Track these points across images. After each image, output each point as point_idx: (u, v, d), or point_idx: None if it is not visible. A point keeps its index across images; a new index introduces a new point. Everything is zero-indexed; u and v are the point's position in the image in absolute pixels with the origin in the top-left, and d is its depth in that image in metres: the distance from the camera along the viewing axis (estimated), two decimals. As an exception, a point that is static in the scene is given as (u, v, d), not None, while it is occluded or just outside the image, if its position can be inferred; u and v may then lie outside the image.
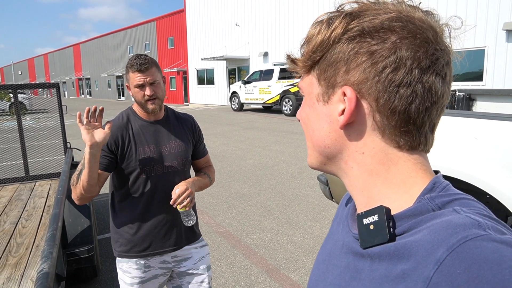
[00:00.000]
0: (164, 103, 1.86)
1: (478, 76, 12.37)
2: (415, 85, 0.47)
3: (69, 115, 20.50)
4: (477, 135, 2.19)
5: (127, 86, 1.82)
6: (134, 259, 1.82)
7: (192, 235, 1.94)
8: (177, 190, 1.70)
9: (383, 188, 0.51)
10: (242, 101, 18.99)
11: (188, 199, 1.71)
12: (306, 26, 18.61)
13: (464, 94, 4.16)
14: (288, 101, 16.13)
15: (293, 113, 15.86)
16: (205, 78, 26.67)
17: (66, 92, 54.56)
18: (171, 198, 1.73)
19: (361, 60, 0.48)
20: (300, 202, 5.30)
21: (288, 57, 0.57)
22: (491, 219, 0.43)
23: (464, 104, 4.16)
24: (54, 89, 4.80)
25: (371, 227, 0.50)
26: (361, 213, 0.52)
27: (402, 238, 0.46)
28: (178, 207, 1.71)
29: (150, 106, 1.76)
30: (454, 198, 0.47)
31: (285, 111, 16.34)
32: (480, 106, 4.15)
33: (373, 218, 0.50)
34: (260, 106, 19.25)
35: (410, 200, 0.49)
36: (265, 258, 3.71)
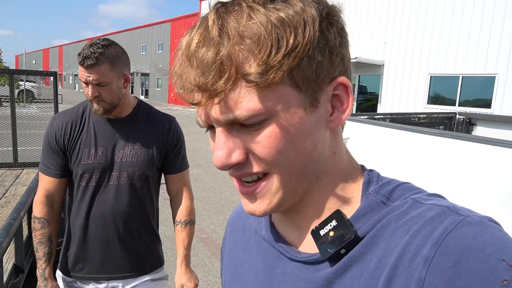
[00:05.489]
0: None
1: (487, 104, 12.22)
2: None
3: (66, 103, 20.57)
4: (465, 158, 2.08)
5: None
6: (67, 277, 1.59)
7: (142, 264, 1.60)
8: None
9: (338, 192, 0.49)
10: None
11: None
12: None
13: (464, 117, 4.05)
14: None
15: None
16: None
17: (76, 85, 55.07)
18: (115, 216, 1.50)
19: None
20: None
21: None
22: (439, 197, 0.45)
23: (463, 127, 4.04)
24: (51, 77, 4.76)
25: (331, 234, 0.46)
26: (316, 227, 0.48)
27: (369, 238, 0.44)
28: None
29: (94, 105, 1.46)
30: (396, 185, 0.47)
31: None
32: (480, 131, 4.02)
33: (331, 225, 0.46)
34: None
35: (355, 196, 0.49)
36: (243, 268, 3.60)
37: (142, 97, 38.13)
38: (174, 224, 1.67)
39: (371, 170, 0.51)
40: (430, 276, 0.37)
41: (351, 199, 0.48)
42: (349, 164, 0.50)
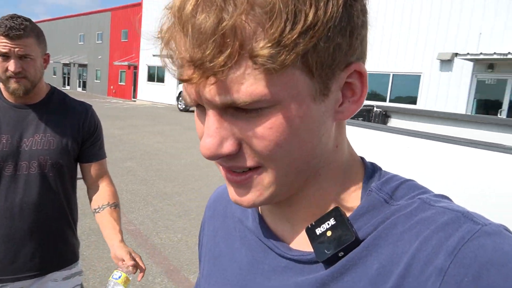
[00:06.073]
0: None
1: (414, 100, 13.14)
2: None
3: None
4: (409, 145, 2.27)
5: None
6: None
7: (54, 260, 1.49)
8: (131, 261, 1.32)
9: (336, 187, 0.45)
10: (190, 102, 18.74)
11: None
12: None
13: (380, 110, 4.35)
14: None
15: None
16: (156, 75, 26.06)
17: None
18: (23, 209, 1.39)
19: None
20: (221, 204, 5.24)
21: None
22: (447, 198, 0.41)
23: (380, 119, 4.34)
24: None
25: (329, 233, 0.41)
26: (311, 224, 0.43)
27: (371, 240, 0.40)
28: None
29: (12, 84, 1.33)
30: (399, 182, 0.43)
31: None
32: (394, 122, 4.35)
33: (328, 224, 0.42)
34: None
35: (355, 192, 0.44)
36: (168, 258, 3.59)
37: (79, 89, 36.13)
38: (96, 210, 1.53)
39: (372, 164, 0.46)
40: None
41: (351, 196, 0.44)
42: (350, 157, 0.46)
